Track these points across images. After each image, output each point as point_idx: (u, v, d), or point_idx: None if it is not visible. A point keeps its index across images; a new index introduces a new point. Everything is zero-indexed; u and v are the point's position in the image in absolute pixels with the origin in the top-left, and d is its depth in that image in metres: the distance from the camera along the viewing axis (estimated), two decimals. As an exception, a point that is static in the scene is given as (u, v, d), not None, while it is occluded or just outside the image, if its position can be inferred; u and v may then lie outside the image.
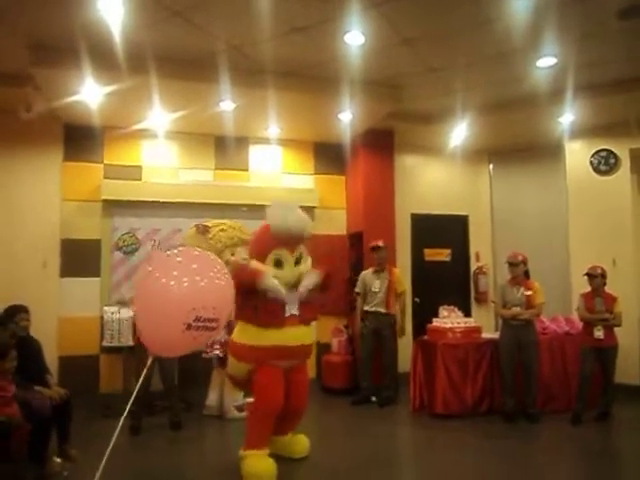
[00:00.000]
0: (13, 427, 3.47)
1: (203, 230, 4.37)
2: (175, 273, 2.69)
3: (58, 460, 3.95)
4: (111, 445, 2.73)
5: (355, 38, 4.46)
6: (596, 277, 5.28)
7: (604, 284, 5.29)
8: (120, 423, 2.83)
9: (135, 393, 3.26)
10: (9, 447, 3.41)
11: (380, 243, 6.11)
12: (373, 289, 6.02)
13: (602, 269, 5.34)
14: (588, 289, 5.34)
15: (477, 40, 4.62)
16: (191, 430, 5.00)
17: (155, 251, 5.44)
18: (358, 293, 6.18)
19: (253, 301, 3.70)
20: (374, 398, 5.99)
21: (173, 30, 4.43)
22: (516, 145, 7.44)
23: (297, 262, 3.85)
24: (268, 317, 3.69)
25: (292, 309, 3.78)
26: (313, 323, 4.04)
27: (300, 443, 4.20)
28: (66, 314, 5.98)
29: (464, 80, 5.44)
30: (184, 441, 4.72)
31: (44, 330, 5.55)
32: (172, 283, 2.68)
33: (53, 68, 4.78)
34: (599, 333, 5.15)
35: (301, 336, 3.86)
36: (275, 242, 3.78)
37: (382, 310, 6.01)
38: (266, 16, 4.08)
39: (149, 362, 2.89)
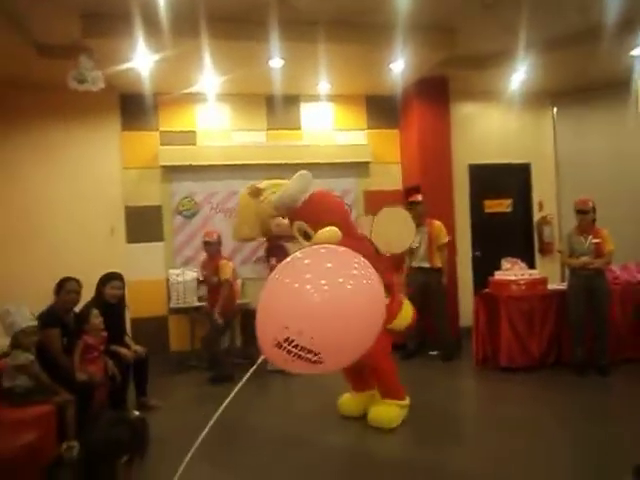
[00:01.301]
0: (95, 385, 3.73)
1: (255, 192, 4.12)
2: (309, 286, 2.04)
3: (136, 412, 4.23)
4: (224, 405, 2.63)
5: (406, -21, 4.23)
6: None
7: None
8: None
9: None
10: (92, 402, 3.67)
11: (419, 197, 6.02)
12: (413, 245, 5.84)
13: None
14: None
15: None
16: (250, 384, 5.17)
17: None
18: (417, 248, 6.02)
19: None
20: (435, 352, 5.98)
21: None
22: (582, 85, 6.95)
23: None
24: None
25: None
26: None
27: (390, 411, 3.97)
28: (134, 278, 6.23)
29: (523, 14, 5.03)
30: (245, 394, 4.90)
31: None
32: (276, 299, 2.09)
33: (106, 37, 4.84)
34: None
35: None
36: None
37: (426, 265, 5.94)
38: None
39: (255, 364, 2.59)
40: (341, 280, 1.98)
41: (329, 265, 2.07)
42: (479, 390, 5.13)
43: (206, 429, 2.34)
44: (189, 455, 2.32)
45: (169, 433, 3.70)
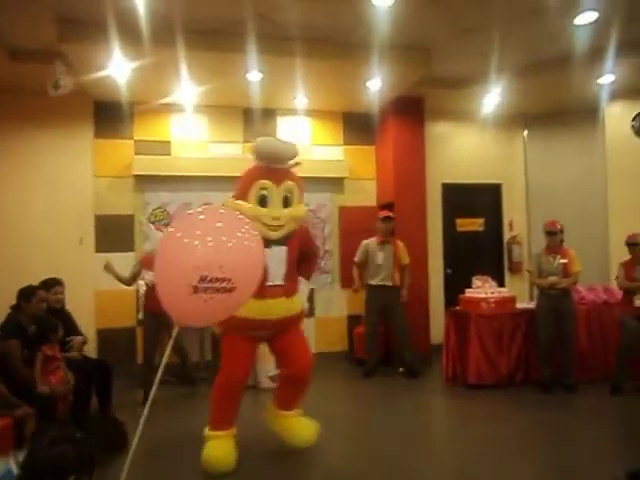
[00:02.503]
0: (57, 397, 3.61)
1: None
2: (186, 240, 2.48)
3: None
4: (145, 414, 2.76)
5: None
6: (637, 245, 5.12)
7: None
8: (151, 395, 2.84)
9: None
10: (54, 415, 3.56)
11: (392, 214, 6.09)
12: (376, 261, 5.95)
13: None
14: (627, 258, 5.18)
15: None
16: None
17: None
18: (356, 262, 6.10)
19: None
20: (401, 369, 5.99)
21: (196, -1, 4.37)
22: (552, 109, 7.17)
23: (285, 203, 3.34)
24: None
25: (277, 277, 3.31)
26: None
27: (307, 429, 3.61)
28: (102, 288, 6.11)
29: (497, 40, 5.19)
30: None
31: (82, 304, 5.76)
32: (185, 241, 2.45)
33: (81, 43, 4.78)
34: (639, 302, 5.03)
35: (285, 308, 3.39)
36: (258, 171, 3.39)
37: (389, 283, 5.94)
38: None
39: (174, 332, 2.78)
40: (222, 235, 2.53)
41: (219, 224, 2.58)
42: (447, 407, 5.14)
43: (134, 444, 2.33)
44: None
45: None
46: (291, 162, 3.52)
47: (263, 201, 3.29)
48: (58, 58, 5.02)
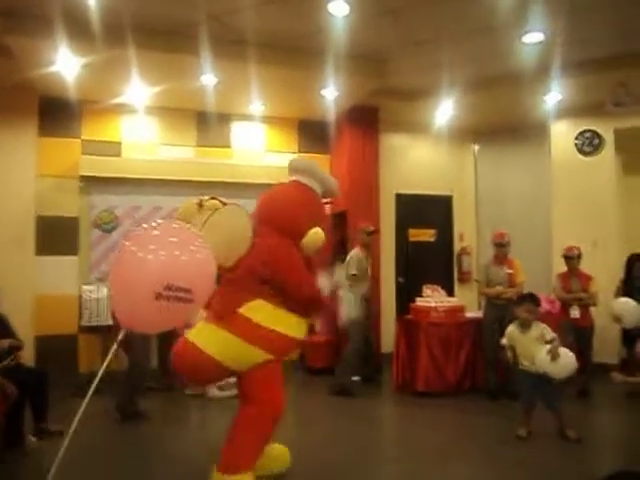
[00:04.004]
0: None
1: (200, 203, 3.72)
2: (152, 247, 2.58)
3: (33, 439, 3.89)
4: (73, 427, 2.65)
5: (339, 8, 4.34)
6: (572, 258, 5.36)
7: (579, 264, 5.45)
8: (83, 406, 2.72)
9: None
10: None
11: (373, 227, 6.06)
12: (368, 272, 5.88)
13: (578, 250, 5.42)
14: (565, 269, 5.41)
15: (462, 12, 4.53)
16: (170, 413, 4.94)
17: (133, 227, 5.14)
18: (355, 275, 5.69)
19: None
20: (357, 378, 5.97)
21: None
22: (501, 125, 7.39)
23: None
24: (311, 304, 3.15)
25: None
26: None
27: (282, 456, 3.36)
28: (42, 293, 5.84)
29: (449, 55, 5.34)
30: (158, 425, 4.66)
31: (20, 309, 5.45)
32: (147, 255, 2.54)
33: (26, 36, 4.60)
34: (575, 312, 5.25)
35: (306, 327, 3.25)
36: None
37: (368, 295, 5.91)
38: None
39: (119, 337, 2.73)
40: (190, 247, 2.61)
41: (173, 239, 2.63)
42: (394, 415, 5.16)
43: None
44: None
45: (68, 460, 3.42)
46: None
47: None
48: (2, 51, 4.79)
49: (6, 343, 4.08)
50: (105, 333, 5.86)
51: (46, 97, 5.99)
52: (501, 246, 5.43)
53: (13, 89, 5.51)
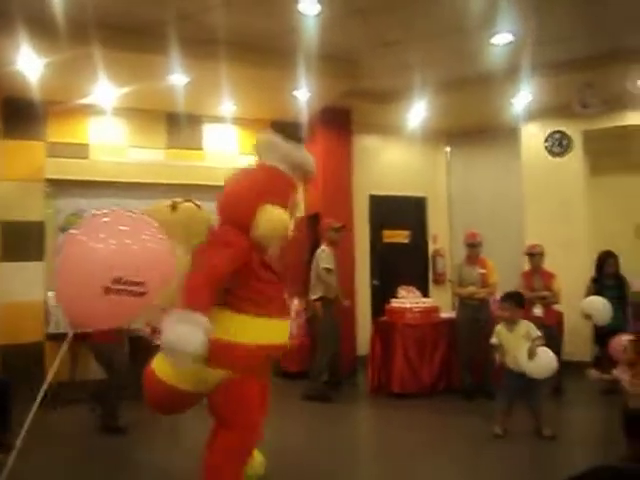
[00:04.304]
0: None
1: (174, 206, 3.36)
2: (102, 235, 2.38)
3: (-4, 452, 3.72)
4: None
5: (309, 7, 4.30)
6: (535, 255, 5.40)
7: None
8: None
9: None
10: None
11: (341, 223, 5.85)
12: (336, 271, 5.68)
13: (541, 247, 5.46)
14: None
15: (432, 12, 4.54)
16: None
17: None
18: (329, 269, 5.49)
19: (253, 279, 2.45)
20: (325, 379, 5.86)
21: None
22: (472, 127, 7.46)
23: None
24: (272, 302, 2.50)
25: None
26: None
27: (256, 463, 2.92)
28: (6, 300, 5.64)
29: (419, 55, 5.36)
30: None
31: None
32: (95, 244, 2.36)
33: (-14, 33, 4.43)
34: (537, 311, 5.25)
35: (287, 330, 2.62)
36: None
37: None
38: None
39: (65, 341, 2.55)
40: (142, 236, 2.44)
41: (124, 228, 2.47)
42: (369, 417, 5.13)
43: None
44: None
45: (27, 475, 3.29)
46: None
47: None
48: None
49: None
50: (72, 341, 5.68)
51: (9, 98, 5.80)
52: (473, 246, 5.46)
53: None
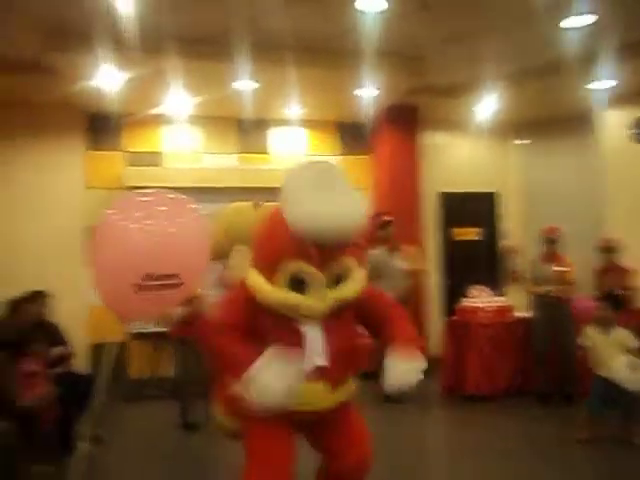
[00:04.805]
0: (41, 410, 3.52)
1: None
2: (137, 216, 2.22)
3: (84, 443, 3.98)
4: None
5: (374, 4, 4.27)
6: (609, 250, 5.22)
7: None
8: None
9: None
10: (36, 428, 3.46)
11: (389, 217, 5.57)
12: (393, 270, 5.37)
13: (616, 242, 5.16)
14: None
15: (500, 1, 4.35)
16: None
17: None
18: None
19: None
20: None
21: (185, 6, 4.34)
22: (546, 117, 7.09)
23: (337, 281, 1.93)
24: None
25: (317, 357, 1.94)
26: None
27: None
28: (94, 302, 6.02)
29: (489, 47, 5.13)
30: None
31: (75, 318, 5.65)
32: (125, 232, 2.17)
33: (68, 52, 4.77)
34: None
35: (325, 398, 1.99)
36: (293, 247, 1.85)
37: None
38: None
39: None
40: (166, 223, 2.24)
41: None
42: (442, 419, 5.02)
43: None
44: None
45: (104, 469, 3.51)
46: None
47: (299, 284, 1.91)
48: (47, 69, 4.98)
49: (58, 351, 4.22)
50: (154, 340, 6.00)
51: (91, 112, 6.20)
52: (551, 242, 5.20)
53: (61, 105, 5.73)
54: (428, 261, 7.01)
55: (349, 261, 1.95)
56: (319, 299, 1.91)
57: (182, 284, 2.20)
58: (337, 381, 2.01)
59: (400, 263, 5.44)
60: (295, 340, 1.91)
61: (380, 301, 2.21)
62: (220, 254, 3.30)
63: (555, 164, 7.41)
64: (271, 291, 1.91)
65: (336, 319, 1.98)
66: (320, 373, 1.94)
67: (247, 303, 1.96)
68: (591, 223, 6.81)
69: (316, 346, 1.96)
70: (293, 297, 1.89)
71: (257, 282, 1.94)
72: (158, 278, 2.09)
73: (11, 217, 6.05)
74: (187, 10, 4.42)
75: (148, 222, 2.19)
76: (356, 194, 1.96)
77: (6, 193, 6.05)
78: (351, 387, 2.13)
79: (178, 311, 4.75)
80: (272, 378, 1.77)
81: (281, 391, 1.77)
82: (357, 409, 2.19)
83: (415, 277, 5.67)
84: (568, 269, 5.10)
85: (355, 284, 1.97)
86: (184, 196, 2.52)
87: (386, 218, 5.59)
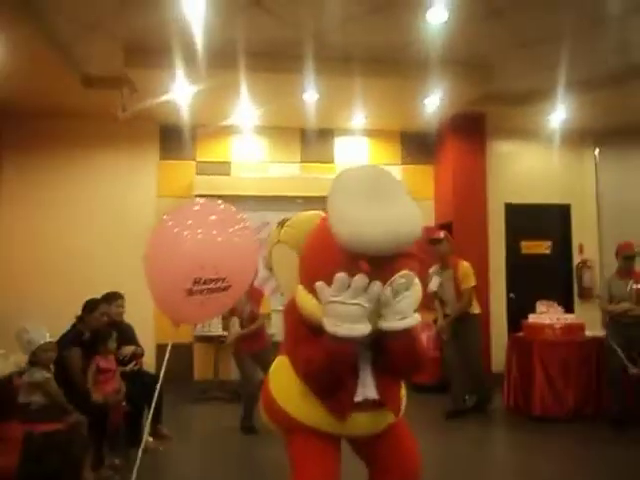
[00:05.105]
0: (110, 407, 3.71)
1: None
2: (189, 224, 2.39)
3: (151, 439, 4.16)
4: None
5: (438, 14, 4.24)
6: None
7: None
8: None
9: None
10: (107, 424, 3.66)
11: (440, 234, 5.33)
12: (431, 288, 5.16)
13: None
14: None
15: (576, 3, 4.18)
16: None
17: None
18: (435, 292, 5.20)
19: (310, 347, 1.77)
20: (467, 397, 5.61)
21: (253, 21, 4.49)
22: (625, 125, 6.73)
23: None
24: (324, 396, 1.82)
25: (368, 390, 1.84)
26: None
27: None
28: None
29: (563, 52, 4.95)
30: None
31: (142, 320, 5.90)
32: (177, 239, 2.32)
33: (146, 68, 5.05)
34: None
35: (376, 422, 1.92)
36: (341, 260, 1.64)
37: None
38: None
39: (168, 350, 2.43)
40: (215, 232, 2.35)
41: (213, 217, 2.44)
42: (508, 440, 4.82)
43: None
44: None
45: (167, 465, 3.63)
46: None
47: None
48: (126, 84, 5.30)
49: (130, 350, 4.43)
50: (217, 343, 6.17)
51: (165, 124, 6.53)
52: (629, 258, 4.91)
53: (137, 118, 6.05)
54: (496, 274, 6.80)
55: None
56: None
57: (230, 287, 2.27)
58: (388, 404, 1.92)
59: (450, 283, 5.21)
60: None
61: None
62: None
63: (633, 175, 7.00)
64: (316, 309, 1.72)
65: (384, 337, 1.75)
66: (371, 403, 1.84)
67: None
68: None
69: (365, 376, 1.84)
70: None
71: (303, 299, 1.79)
72: (206, 282, 2.17)
73: (90, 222, 6.46)
74: (255, 25, 4.56)
75: (199, 230, 2.28)
76: (410, 201, 1.79)
77: (86, 200, 6.47)
78: (401, 403, 2.05)
79: (240, 330, 4.91)
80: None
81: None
82: (406, 423, 2.10)
83: (467, 295, 5.20)
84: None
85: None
86: (233, 207, 2.64)
87: (437, 236, 5.33)
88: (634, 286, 4.80)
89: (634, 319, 4.71)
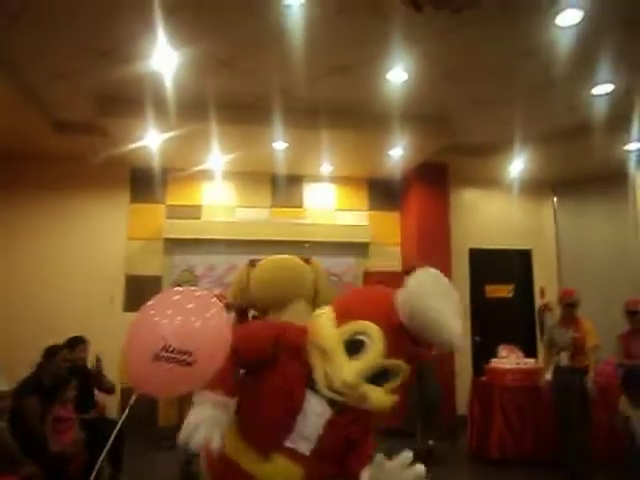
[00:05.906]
0: (68, 457, 3.66)
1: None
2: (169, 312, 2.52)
3: (108, 487, 4.09)
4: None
5: (398, 75, 4.51)
6: (636, 314, 4.74)
7: None
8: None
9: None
10: (64, 475, 3.59)
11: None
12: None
13: None
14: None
15: (524, 70, 4.51)
16: None
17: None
18: None
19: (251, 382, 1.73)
20: (431, 442, 5.62)
21: (223, 78, 4.69)
22: (581, 176, 7.10)
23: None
24: (255, 430, 1.69)
25: (301, 442, 1.64)
26: None
27: None
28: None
29: (516, 111, 5.30)
30: None
31: (107, 364, 5.83)
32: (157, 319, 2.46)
33: (118, 117, 5.18)
34: None
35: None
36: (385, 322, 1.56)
37: None
38: (308, 59, 4.23)
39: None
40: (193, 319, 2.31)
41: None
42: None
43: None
44: None
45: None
46: None
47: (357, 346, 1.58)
48: (97, 131, 5.42)
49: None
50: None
51: (136, 168, 6.64)
52: (570, 306, 4.84)
53: (108, 163, 6.15)
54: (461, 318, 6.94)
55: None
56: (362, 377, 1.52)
57: (194, 364, 2.33)
58: (315, 476, 1.67)
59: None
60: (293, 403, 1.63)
61: None
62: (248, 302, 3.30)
63: (590, 223, 7.34)
64: (327, 330, 1.61)
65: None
66: (298, 457, 1.64)
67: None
68: (629, 283, 6.64)
69: (311, 429, 1.65)
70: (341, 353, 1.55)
71: (322, 322, 1.65)
72: (173, 351, 2.26)
73: (59, 265, 6.44)
74: (225, 81, 4.76)
75: (178, 318, 2.41)
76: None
77: (55, 242, 6.47)
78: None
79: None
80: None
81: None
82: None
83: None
84: (586, 335, 4.71)
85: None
86: (206, 291, 2.78)
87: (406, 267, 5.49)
88: (573, 334, 4.73)
89: (569, 368, 4.67)
